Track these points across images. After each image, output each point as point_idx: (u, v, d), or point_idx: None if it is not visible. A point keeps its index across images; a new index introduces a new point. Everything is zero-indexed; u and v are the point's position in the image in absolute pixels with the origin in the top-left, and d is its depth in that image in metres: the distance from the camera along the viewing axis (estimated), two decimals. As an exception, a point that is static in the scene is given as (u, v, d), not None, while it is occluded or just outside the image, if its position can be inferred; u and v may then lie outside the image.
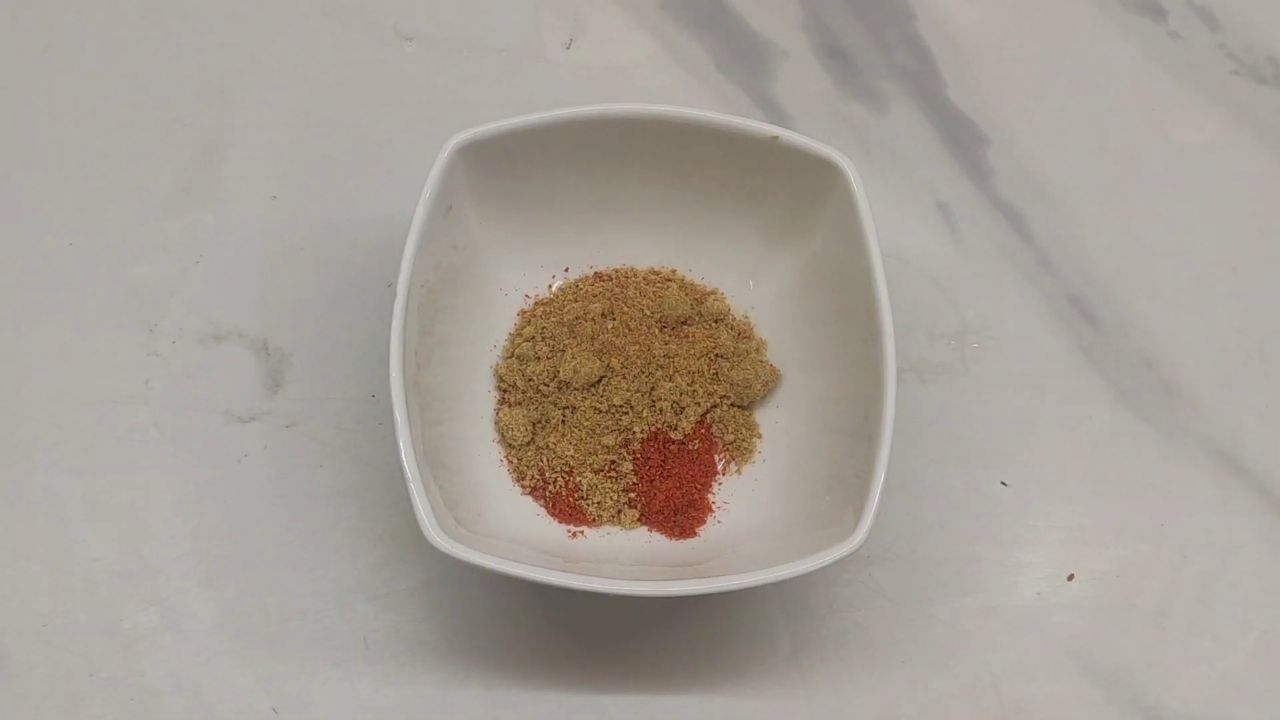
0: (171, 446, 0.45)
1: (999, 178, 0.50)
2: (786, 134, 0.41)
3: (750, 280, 0.46)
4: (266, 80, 0.51)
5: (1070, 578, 0.44)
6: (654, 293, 0.45)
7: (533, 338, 0.44)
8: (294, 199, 0.49)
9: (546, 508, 0.43)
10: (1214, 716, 0.43)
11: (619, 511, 0.43)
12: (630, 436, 0.43)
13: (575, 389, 0.43)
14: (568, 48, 0.52)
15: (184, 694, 0.42)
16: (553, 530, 0.42)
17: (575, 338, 0.44)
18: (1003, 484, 0.45)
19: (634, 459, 0.43)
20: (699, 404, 0.44)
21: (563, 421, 0.43)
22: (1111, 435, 0.46)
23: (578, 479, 0.43)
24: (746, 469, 0.44)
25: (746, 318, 0.46)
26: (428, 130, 0.44)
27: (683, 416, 0.43)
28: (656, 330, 0.45)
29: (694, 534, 0.42)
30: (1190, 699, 0.43)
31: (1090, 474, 0.46)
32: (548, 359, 0.44)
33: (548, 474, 0.43)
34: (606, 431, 0.43)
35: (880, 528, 0.37)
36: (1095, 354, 0.47)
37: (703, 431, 0.44)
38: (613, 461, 0.43)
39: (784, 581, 0.37)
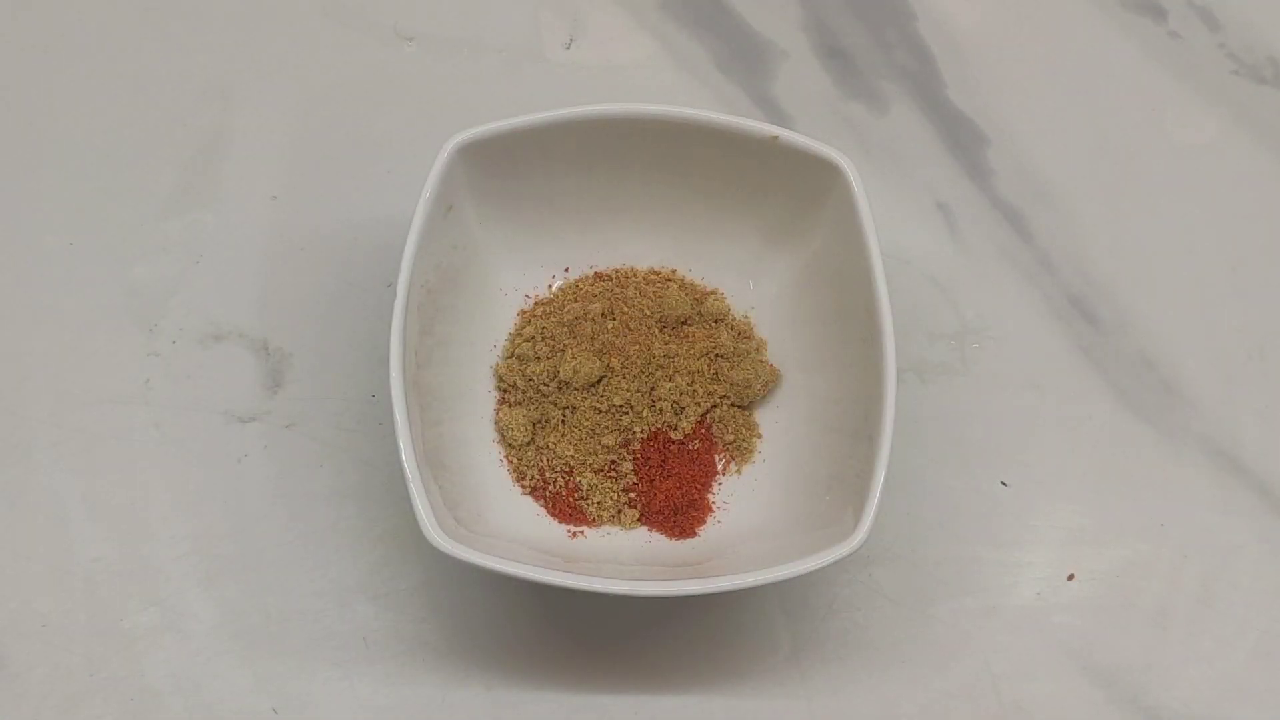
0: (171, 446, 0.45)
1: (999, 178, 0.50)
2: (786, 134, 0.41)
3: (750, 280, 0.46)
4: (266, 80, 0.51)
5: (1070, 578, 0.44)
6: (654, 293, 0.45)
7: (533, 338, 0.44)
8: (294, 199, 0.49)
9: (546, 508, 0.43)
10: (1214, 716, 0.43)
11: (619, 511, 0.43)
12: (630, 436, 0.43)
13: (575, 389, 0.43)
14: (568, 48, 0.52)
15: (184, 694, 0.42)
16: (553, 530, 0.42)
17: (575, 338, 0.44)
18: (1002, 484, 0.45)
19: (634, 459, 0.43)
20: (699, 404, 0.44)
21: (563, 422, 0.43)
22: (1112, 435, 0.46)
23: (578, 479, 0.43)
24: (747, 469, 0.44)
25: (746, 318, 0.46)
26: (428, 130, 0.44)
27: (683, 416, 0.43)
28: (657, 330, 0.45)
29: (693, 534, 0.42)
30: (1190, 699, 0.43)
31: (1091, 474, 0.45)
32: (547, 359, 0.44)
33: (548, 474, 0.43)
34: (606, 431, 0.43)
35: (880, 528, 0.37)
36: (1095, 354, 0.47)
37: (703, 431, 0.44)
38: (613, 461, 0.43)
39: (784, 581, 0.37)
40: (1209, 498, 0.45)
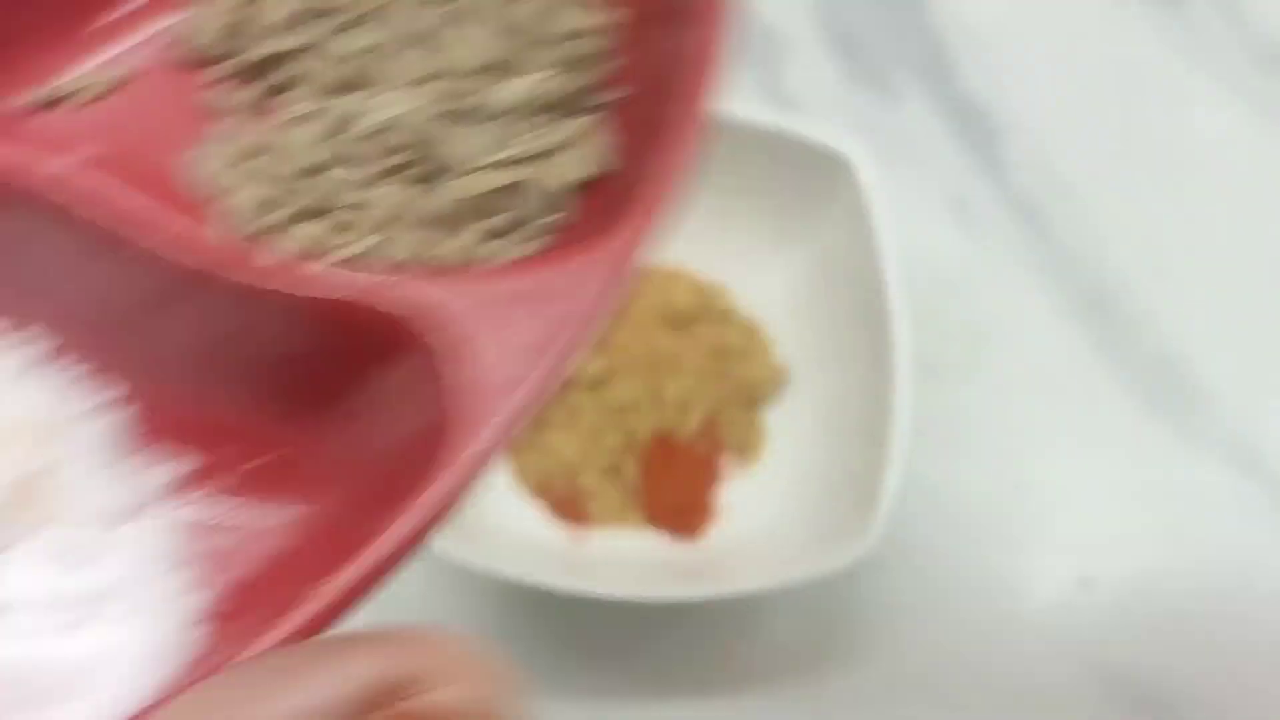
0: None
1: (1014, 171, 0.50)
2: (796, 127, 0.41)
3: (758, 276, 0.45)
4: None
5: (1085, 582, 0.44)
6: (660, 289, 0.45)
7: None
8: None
9: (550, 509, 0.42)
10: (1229, 722, 0.42)
11: (623, 513, 0.42)
12: (634, 437, 0.43)
13: (579, 388, 0.43)
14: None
15: (179, 698, 0.41)
16: (555, 534, 0.42)
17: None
18: (1014, 485, 0.45)
19: (638, 460, 0.43)
20: (705, 403, 0.43)
21: (566, 422, 0.43)
22: (1129, 437, 0.46)
23: (581, 480, 0.42)
24: (754, 469, 0.43)
25: (754, 315, 0.45)
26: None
27: (688, 415, 0.43)
28: (662, 328, 0.44)
29: (697, 536, 0.42)
30: (1208, 705, 0.42)
31: (1107, 476, 0.45)
32: None
33: (550, 476, 0.43)
34: (610, 431, 0.43)
35: (891, 530, 0.37)
36: (1113, 352, 0.47)
37: (709, 432, 0.43)
38: (616, 463, 0.43)
39: (792, 585, 0.37)
40: (1228, 500, 0.45)
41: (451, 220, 0.21)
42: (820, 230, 0.43)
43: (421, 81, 0.22)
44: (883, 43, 0.52)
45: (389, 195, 0.21)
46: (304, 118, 0.22)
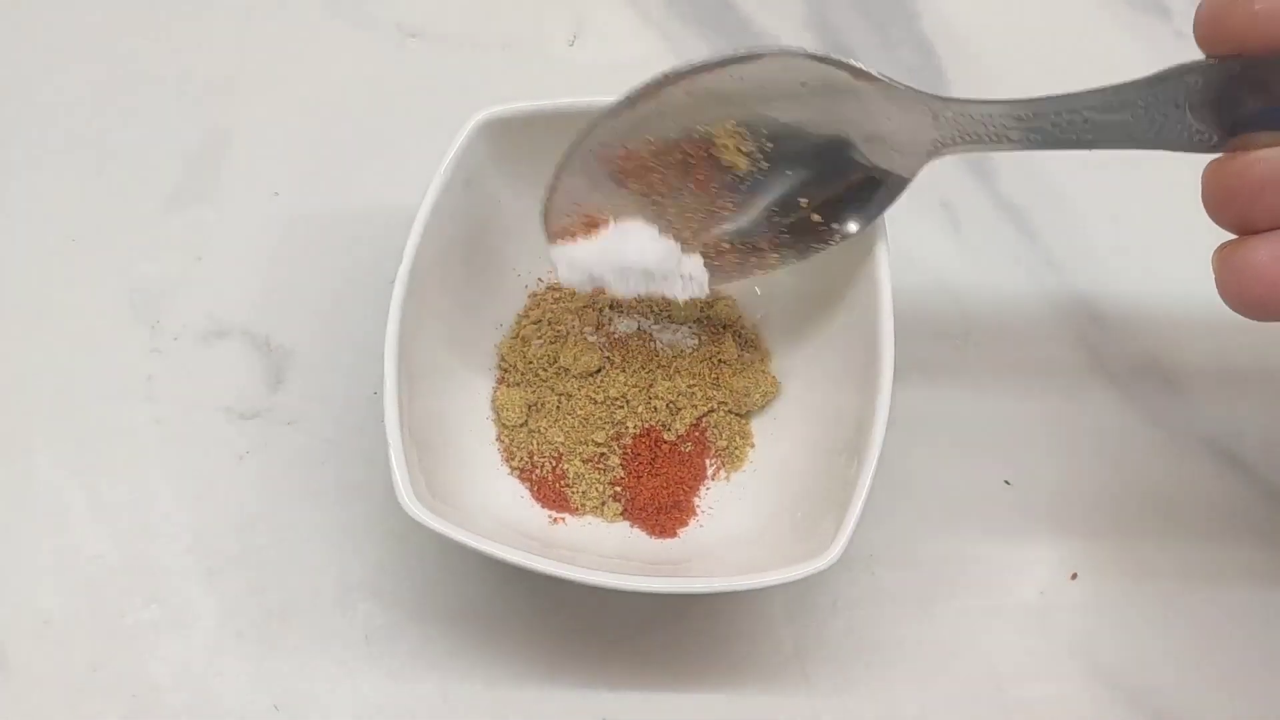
0: (173, 443, 0.45)
1: (1002, 176, 0.50)
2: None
3: (758, 287, 0.46)
4: (269, 76, 0.51)
5: (1073, 576, 0.44)
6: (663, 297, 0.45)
7: (538, 321, 0.44)
8: (296, 195, 0.49)
9: (531, 491, 0.43)
10: (1220, 716, 0.42)
11: (602, 503, 0.42)
12: (622, 431, 0.43)
13: (573, 376, 0.43)
14: (571, 44, 0.52)
15: (185, 691, 0.42)
16: (534, 515, 0.42)
17: (580, 325, 0.44)
18: (1005, 483, 0.45)
19: (623, 453, 0.43)
20: (696, 407, 0.43)
21: (557, 408, 0.43)
22: (1115, 434, 0.46)
23: (565, 466, 0.43)
24: (736, 475, 0.44)
25: (755, 327, 0.45)
26: (430, 126, 0.44)
27: (678, 417, 0.43)
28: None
29: (674, 534, 0.42)
30: (1195, 698, 0.42)
31: (1093, 473, 0.45)
32: (550, 343, 0.44)
33: (536, 457, 0.43)
34: (599, 423, 0.43)
35: (883, 527, 0.37)
36: (1099, 352, 0.47)
37: (696, 434, 0.44)
38: (602, 454, 0.43)
39: (786, 582, 0.37)
40: (1212, 497, 0.45)
41: None
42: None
43: None
44: (874, 51, 0.52)
45: None
46: None
